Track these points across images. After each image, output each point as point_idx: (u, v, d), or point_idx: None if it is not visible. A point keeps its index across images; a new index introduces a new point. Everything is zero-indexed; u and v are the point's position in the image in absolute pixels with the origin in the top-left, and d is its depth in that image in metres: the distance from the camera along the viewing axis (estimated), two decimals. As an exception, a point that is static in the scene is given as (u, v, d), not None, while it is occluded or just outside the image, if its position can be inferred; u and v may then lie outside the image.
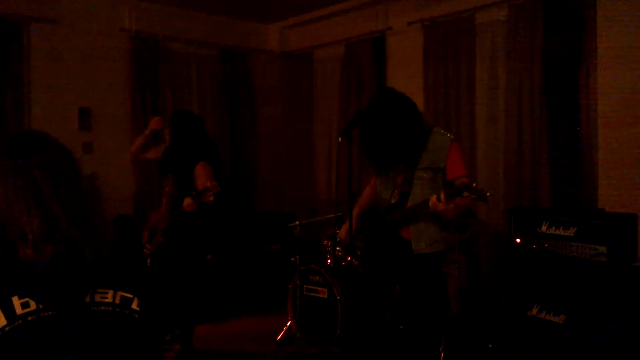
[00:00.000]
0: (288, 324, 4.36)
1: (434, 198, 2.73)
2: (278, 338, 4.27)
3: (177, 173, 3.98)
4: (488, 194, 2.58)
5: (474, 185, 2.61)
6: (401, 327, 3.91)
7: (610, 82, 4.05)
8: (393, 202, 3.08)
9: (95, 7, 5.30)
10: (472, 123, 4.81)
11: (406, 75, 5.44)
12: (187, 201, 3.66)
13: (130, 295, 1.21)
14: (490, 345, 3.86)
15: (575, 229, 3.32)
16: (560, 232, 3.39)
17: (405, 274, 3.09)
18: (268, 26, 6.67)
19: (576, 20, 4.23)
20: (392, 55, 5.64)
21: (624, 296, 3.12)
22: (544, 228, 3.48)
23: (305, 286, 4.25)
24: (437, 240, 3.06)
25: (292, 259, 4.20)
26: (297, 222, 4.17)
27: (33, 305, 1.10)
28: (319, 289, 4.17)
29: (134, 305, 1.21)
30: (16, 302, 1.09)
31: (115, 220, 5.14)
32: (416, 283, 3.08)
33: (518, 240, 3.61)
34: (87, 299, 1.16)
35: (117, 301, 1.19)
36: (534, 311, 3.45)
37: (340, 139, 2.94)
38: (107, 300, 1.18)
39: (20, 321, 1.08)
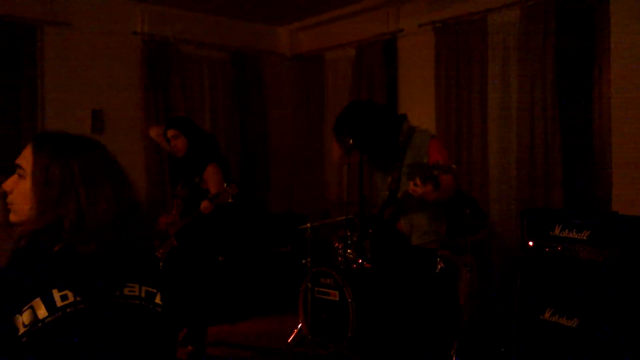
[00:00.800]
0: (299, 326, 4.36)
1: (411, 184, 2.86)
2: (289, 340, 4.27)
3: (188, 177, 4.01)
4: (453, 166, 2.75)
5: (440, 162, 2.75)
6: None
7: (623, 82, 4.01)
8: (384, 201, 3.23)
9: (108, 10, 5.34)
10: (484, 125, 4.78)
11: (417, 77, 5.43)
12: (205, 204, 3.70)
13: (154, 290, 1.26)
14: (502, 349, 3.83)
15: (589, 232, 3.29)
16: (574, 235, 3.36)
17: (404, 266, 3.20)
18: (279, 29, 6.68)
19: (589, 21, 4.20)
20: (403, 57, 5.62)
21: (638, 299, 3.08)
22: (557, 231, 3.45)
23: (316, 288, 4.25)
24: (427, 232, 3.15)
25: (303, 261, 4.20)
26: (308, 224, 4.17)
27: (71, 298, 1.14)
28: (330, 291, 4.16)
29: (157, 300, 1.26)
30: (56, 294, 1.13)
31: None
32: (412, 277, 3.18)
33: (530, 243, 3.58)
34: (117, 293, 1.21)
35: (143, 295, 1.24)
36: (547, 315, 3.43)
37: (350, 141, 2.94)
38: (134, 294, 1.23)
39: (60, 313, 1.12)
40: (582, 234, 3.32)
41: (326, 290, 4.19)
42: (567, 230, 3.40)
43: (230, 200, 3.65)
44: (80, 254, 1.14)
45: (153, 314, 1.24)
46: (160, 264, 3.91)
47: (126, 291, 1.22)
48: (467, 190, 4.77)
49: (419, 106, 5.42)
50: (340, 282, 4.06)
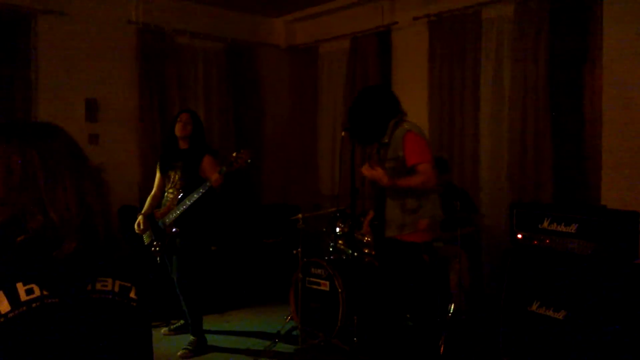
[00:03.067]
0: (290, 315, 4.39)
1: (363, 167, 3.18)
2: (279, 330, 4.31)
3: (186, 165, 4.04)
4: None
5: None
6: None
7: (614, 80, 4.05)
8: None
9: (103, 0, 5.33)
10: (477, 118, 4.81)
11: (411, 70, 5.45)
12: (215, 176, 3.80)
13: (129, 284, 1.22)
14: (489, 340, 3.87)
15: (577, 225, 3.33)
16: (562, 228, 3.40)
17: (383, 257, 3.35)
18: (274, 20, 6.68)
19: (582, 19, 4.23)
20: (397, 50, 5.64)
21: (625, 293, 3.13)
22: (545, 224, 3.49)
23: (307, 279, 4.28)
24: (405, 224, 3.22)
25: (295, 251, 4.22)
26: (300, 215, 4.20)
27: (37, 292, 1.09)
28: (321, 281, 4.20)
29: (132, 294, 1.21)
30: (21, 288, 1.08)
31: (120, 210, 5.24)
32: (393, 268, 3.30)
33: (519, 236, 3.62)
34: (89, 287, 1.16)
35: (117, 290, 1.19)
36: (534, 307, 3.47)
37: (343, 133, 2.96)
38: (107, 289, 1.18)
39: (24, 307, 1.07)
40: (571, 227, 3.36)
41: (317, 280, 4.23)
42: (555, 223, 3.43)
43: (244, 165, 3.78)
44: (47, 247, 1.10)
45: (128, 308, 1.20)
46: (158, 258, 3.97)
47: (99, 286, 1.17)
48: (459, 184, 4.80)
49: (413, 99, 5.42)
50: (331, 272, 4.10)
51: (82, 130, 5.16)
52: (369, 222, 3.69)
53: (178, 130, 4.08)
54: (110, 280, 1.19)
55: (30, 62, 4.92)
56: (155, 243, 4.09)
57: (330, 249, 4.38)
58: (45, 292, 1.09)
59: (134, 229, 4.16)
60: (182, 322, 4.44)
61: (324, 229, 4.53)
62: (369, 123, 3.30)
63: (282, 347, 4.07)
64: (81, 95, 5.21)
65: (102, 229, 1.20)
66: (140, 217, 4.13)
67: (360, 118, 3.31)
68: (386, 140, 3.29)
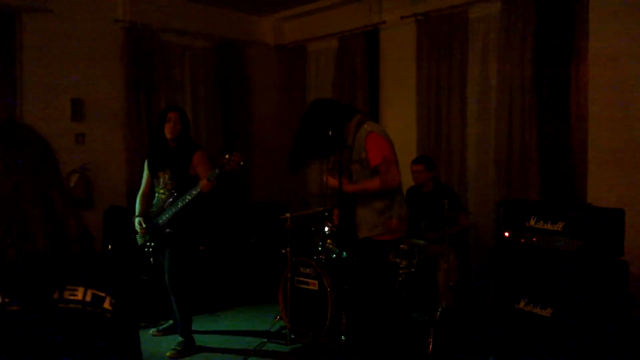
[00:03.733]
0: (279, 315, 4.39)
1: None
2: (269, 330, 4.30)
3: (176, 165, 4.02)
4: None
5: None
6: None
7: (600, 79, 4.08)
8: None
9: (90, -2, 5.29)
10: (464, 117, 4.84)
11: (399, 69, 5.46)
12: (204, 182, 3.81)
13: (102, 294, 1.15)
14: (478, 338, 3.89)
15: (563, 223, 3.36)
16: (548, 226, 3.43)
17: (354, 257, 3.37)
18: (263, 18, 6.66)
19: (568, 17, 4.26)
20: (385, 49, 5.65)
21: (610, 289, 3.16)
22: (532, 222, 3.51)
23: (296, 278, 4.28)
24: (376, 225, 3.30)
25: (283, 251, 4.22)
26: (288, 215, 4.19)
27: None
28: (310, 280, 4.20)
29: (106, 305, 1.15)
30: None
31: (108, 211, 5.19)
32: (362, 267, 3.34)
33: (506, 234, 3.64)
34: (56, 296, 1.10)
35: (88, 299, 1.13)
36: (522, 304, 3.50)
37: (330, 132, 2.96)
38: (77, 298, 1.12)
39: None
40: (557, 225, 3.39)
41: (306, 279, 4.23)
42: (542, 221, 3.46)
43: (236, 167, 3.81)
44: (9, 253, 1.06)
45: (101, 319, 1.13)
46: (151, 259, 3.93)
47: (67, 294, 1.11)
48: (446, 183, 4.82)
49: (401, 97, 5.47)
50: (320, 271, 4.10)
51: (68, 130, 5.13)
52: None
53: (168, 130, 4.04)
54: (81, 289, 1.13)
55: (15, 61, 4.86)
56: (148, 244, 4.07)
57: (319, 248, 4.38)
58: (6, 300, 1.05)
59: (122, 230, 4.14)
60: (170, 322, 4.42)
61: (313, 228, 4.52)
62: (312, 139, 3.44)
63: (272, 346, 4.06)
64: (67, 94, 5.16)
65: (72, 238, 1.15)
66: (140, 219, 4.09)
67: (305, 140, 3.50)
68: (349, 143, 3.38)
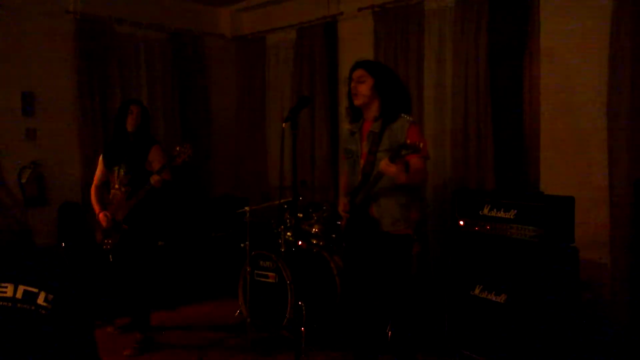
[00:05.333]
0: (239, 309, 4.37)
1: (382, 162, 2.87)
2: (230, 323, 4.28)
3: (132, 160, 3.96)
4: (420, 144, 2.75)
5: (408, 142, 2.79)
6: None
7: (552, 71, 4.16)
8: (356, 185, 3.16)
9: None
10: (420, 107, 4.87)
11: (357, 60, 5.45)
12: (155, 177, 3.75)
13: (35, 290, 1.13)
14: (434, 324, 3.95)
15: (515, 211, 3.43)
16: (502, 214, 3.50)
17: (374, 251, 3.13)
18: (220, 9, 6.57)
19: (521, 10, 4.33)
20: (343, 40, 5.65)
21: (562, 275, 3.24)
22: (485, 210, 3.58)
23: (255, 271, 4.27)
24: (399, 219, 3.10)
25: (242, 244, 4.20)
26: (246, 208, 4.17)
27: None
28: (269, 274, 4.19)
29: (40, 301, 1.13)
30: None
31: (62, 207, 5.07)
32: (383, 261, 3.12)
33: (461, 222, 3.70)
34: None
35: (19, 296, 1.11)
36: (477, 291, 3.57)
37: (284, 125, 2.94)
38: (6, 295, 1.10)
39: None
40: (510, 213, 3.46)
41: (265, 273, 4.22)
42: (495, 209, 3.53)
43: (187, 159, 3.73)
44: None
45: (35, 316, 1.12)
46: (110, 256, 3.86)
47: None
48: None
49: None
50: (279, 264, 4.09)
51: (18, 124, 4.98)
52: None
53: (130, 123, 3.99)
54: (10, 286, 1.11)
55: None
56: (106, 240, 3.99)
57: (279, 241, 4.36)
58: None
59: (77, 226, 4.05)
60: (128, 319, 4.35)
61: (272, 221, 4.51)
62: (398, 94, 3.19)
63: (232, 341, 4.05)
64: (17, 88, 4.99)
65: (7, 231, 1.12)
66: (105, 213, 4.00)
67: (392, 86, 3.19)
68: (376, 130, 3.12)
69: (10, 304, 1.08)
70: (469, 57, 4.51)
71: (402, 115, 3.13)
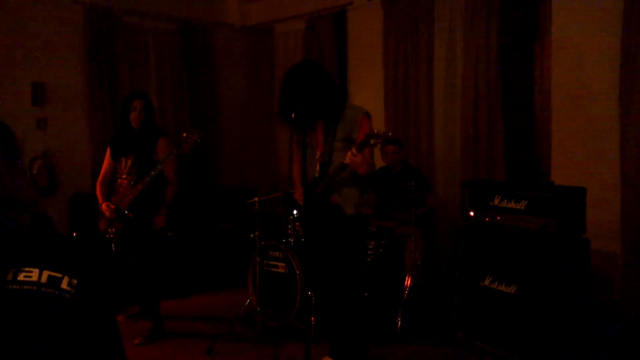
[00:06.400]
0: (249, 299, 4.38)
1: (349, 154, 2.93)
2: (239, 313, 4.29)
3: (139, 151, 3.96)
4: (390, 133, 2.84)
5: (375, 131, 2.87)
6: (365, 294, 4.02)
7: (564, 61, 4.12)
8: (316, 175, 3.24)
9: (49, -22, 5.11)
10: (430, 97, 4.85)
11: (367, 50, 5.45)
12: (160, 219, 3.90)
13: (59, 275, 1.15)
14: (444, 315, 3.96)
15: (526, 202, 3.41)
16: (512, 205, 3.48)
17: (337, 233, 3.26)
18: (228, -1, 6.56)
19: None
20: (352, 29, 5.62)
21: (572, 267, 3.23)
22: (496, 201, 3.56)
23: (265, 262, 4.28)
24: (360, 203, 3.26)
25: (252, 235, 4.21)
26: (256, 199, 4.17)
27: None
28: (279, 264, 4.20)
29: (65, 285, 1.15)
30: None
31: (73, 198, 5.10)
32: (345, 240, 3.26)
33: (471, 213, 3.69)
34: (10, 277, 1.11)
35: (44, 280, 1.13)
36: (487, 282, 3.56)
37: (292, 115, 2.93)
38: (31, 279, 1.13)
39: None
40: (520, 204, 3.44)
41: (275, 263, 4.23)
42: (505, 200, 3.51)
43: (194, 144, 3.75)
44: None
45: (58, 300, 1.13)
46: (112, 245, 3.88)
47: (21, 276, 1.12)
48: (414, 164, 4.84)
49: (368, 79, 5.45)
50: (288, 254, 4.10)
51: (29, 115, 4.99)
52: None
53: (133, 119, 3.97)
54: (36, 271, 1.14)
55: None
56: (110, 230, 4.01)
57: (289, 232, 4.37)
58: None
59: (88, 216, 4.07)
60: (138, 308, 4.38)
61: (282, 212, 4.51)
62: (329, 95, 3.13)
63: (241, 330, 4.06)
64: (27, 78, 5.01)
65: (24, 219, 1.14)
66: (107, 204, 4.01)
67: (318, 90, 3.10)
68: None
69: (35, 288, 1.12)
70: (480, 47, 4.49)
71: (351, 104, 3.24)
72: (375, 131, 2.91)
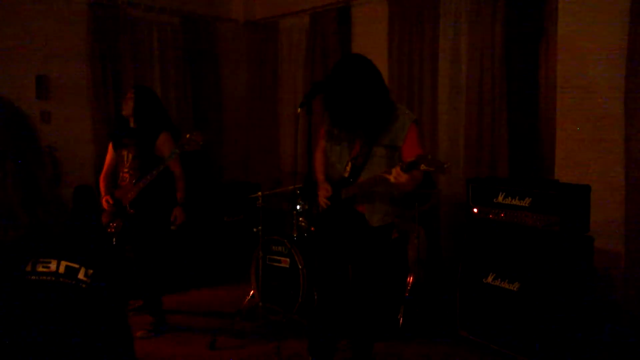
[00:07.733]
0: (251, 293, 4.40)
1: (394, 171, 2.63)
2: (241, 307, 4.30)
3: (140, 145, 3.96)
4: (446, 165, 2.51)
5: (429, 157, 2.55)
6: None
7: (569, 56, 4.11)
8: (346, 175, 3.01)
9: (53, -28, 5.10)
10: (435, 94, 4.84)
11: (371, 46, 5.42)
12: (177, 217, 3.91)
13: (76, 265, 1.15)
14: (446, 312, 3.96)
15: (530, 199, 3.41)
16: (516, 202, 3.48)
17: (359, 245, 3.05)
18: (232, -6, 6.54)
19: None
20: (357, 25, 5.60)
21: (576, 265, 3.23)
22: (500, 198, 3.56)
23: (268, 256, 4.29)
24: (389, 214, 3.04)
25: (255, 229, 4.21)
26: (259, 193, 4.17)
27: None
28: (281, 258, 4.21)
29: (81, 275, 1.16)
30: None
31: (76, 190, 5.10)
32: (370, 253, 3.07)
33: (475, 210, 3.69)
34: (29, 268, 1.11)
35: (62, 271, 1.14)
36: (490, 279, 3.56)
37: (299, 110, 2.91)
38: (49, 270, 1.13)
39: None
40: (524, 201, 3.44)
41: (278, 257, 4.23)
42: (509, 197, 3.51)
43: (197, 148, 3.73)
44: None
45: (75, 290, 1.14)
46: (114, 239, 3.89)
47: (39, 267, 1.12)
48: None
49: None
50: (291, 249, 4.11)
51: (33, 108, 4.98)
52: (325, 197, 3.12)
53: (124, 108, 4.03)
54: (54, 262, 1.14)
55: (-24, 38, 4.70)
56: (111, 224, 4.02)
57: (292, 226, 4.38)
58: None
59: (91, 209, 4.08)
60: (141, 301, 4.39)
61: (285, 207, 4.52)
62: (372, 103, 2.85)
63: (243, 324, 4.08)
64: (31, 71, 5.01)
65: (48, 213, 1.15)
66: (107, 198, 4.03)
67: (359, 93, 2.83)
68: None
69: (53, 278, 1.12)
70: (485, 43, 4.47)
71: (400, 108, 2.97)
72: (429, 156, 2.53)
